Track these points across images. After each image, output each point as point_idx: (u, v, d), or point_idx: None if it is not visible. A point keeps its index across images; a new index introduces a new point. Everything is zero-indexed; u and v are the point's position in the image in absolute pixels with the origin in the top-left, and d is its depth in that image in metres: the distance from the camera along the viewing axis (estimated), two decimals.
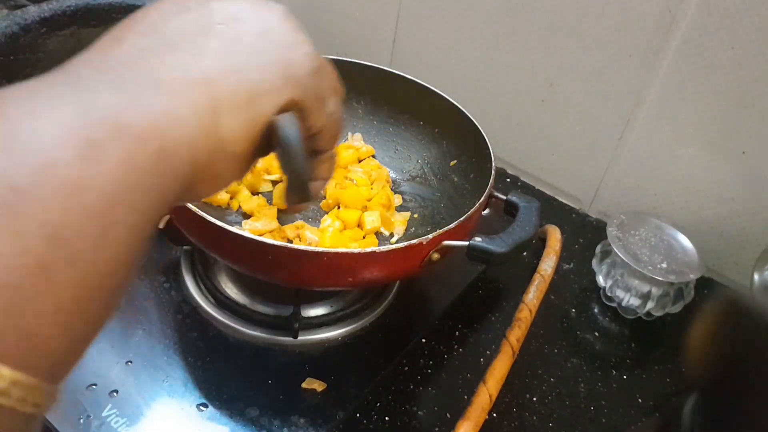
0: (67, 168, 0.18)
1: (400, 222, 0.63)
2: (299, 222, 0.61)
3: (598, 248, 0.65)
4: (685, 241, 0.63)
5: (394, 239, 0.62)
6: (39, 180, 0.17)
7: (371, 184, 0.66)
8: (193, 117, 0.22)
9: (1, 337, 0.16)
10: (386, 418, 0.50)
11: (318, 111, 0.28)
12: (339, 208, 0.63)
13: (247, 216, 0.61)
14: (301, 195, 0.29)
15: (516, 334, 0.56)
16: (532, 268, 0.64)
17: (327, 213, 0.63)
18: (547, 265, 0.64)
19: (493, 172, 0.56)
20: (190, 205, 0.46)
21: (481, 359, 0.56)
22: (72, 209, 0.18)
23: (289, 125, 0.26)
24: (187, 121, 0.22)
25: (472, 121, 0.61)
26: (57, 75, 0.21)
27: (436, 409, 0.51)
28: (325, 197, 0.63)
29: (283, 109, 0.26)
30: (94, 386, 0.47)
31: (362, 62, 0.68)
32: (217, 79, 0.24)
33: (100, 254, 0.19)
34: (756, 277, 0.53)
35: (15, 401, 0.17)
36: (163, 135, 0.21)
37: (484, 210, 0.55)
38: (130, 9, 0.84)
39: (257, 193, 0.65)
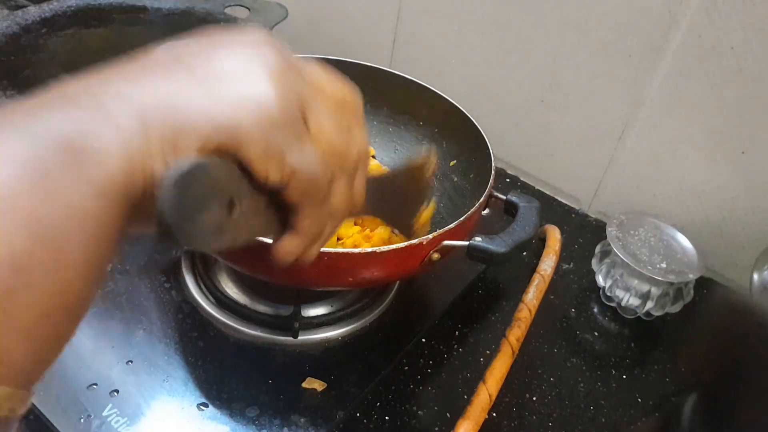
0: (24, 200, 0.20)
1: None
2: None
3: (598, 248, 0.66)
4: (684, 241, 0.63)
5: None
6: (1, 214, 0.19)
7: None
8: (121, 146, 0.22)
9: None
10: (386, 418, 0.50)
11: (267, 162, 0.26)
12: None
13: None
14: (170, 241, 0.25)
15: (516, 334, 0.56)
16: (532, 268, 0.64)
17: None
18: (547, 265, 0.64)
19: (492, 171, 0.56)
20: None
21: (481, 359, 0.56)
22: (31, 239, 0.20)
23: (181, 164, 0.23)
24: (118, 151, 0.22)
25: (471, 121, 0.61)
26: (35, 99, 0.22)
27: (436, 408, 0.51)
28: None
29: (212, 153, 0.25)
30: (94, 386, 0.48)
31: (362, 62, 0.68)
32: (151, 110, 0.24)
33: (57, 277, 0.20)
34: (755, 277, 0.53)
35: None
36: (99, 159, 0.22)
37: (483, 210, 0.55)
38: (131, 9, 0.84)
39: None
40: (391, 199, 0.41)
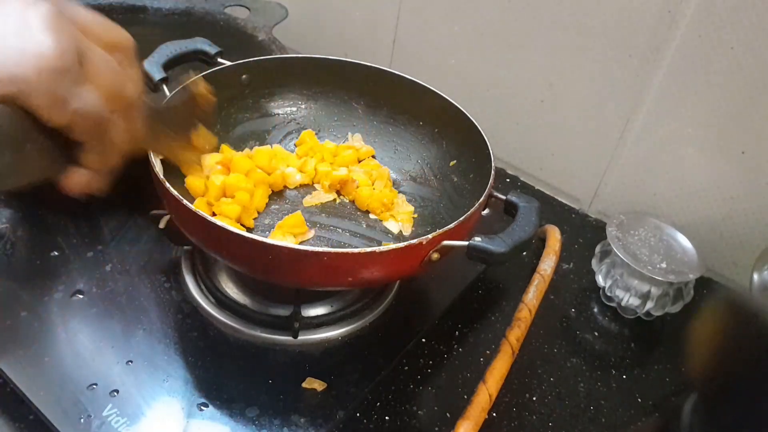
0: None
1: (405, 219, 0.63)
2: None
3: (598, 248, 0.66)
4: (684, 241, 0.63)
5: (395, 229, 0.62)
6: None
7: (372, 184, 0.66)
8: None
9: None
10: (386, 418, 0.50)
11: (51, 108, 0.28)
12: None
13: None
14: None
15: (516, 334, 0.56)
16: (532, 268, 0.64)
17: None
18: (547, 265, 0.64)
19: (492, 171, 0.56)
20: (189, 205, 0.46)
21: (481, 359, 0.56)
22: None
23: None
24: None
25: (471, 121, 0.61)
26: None
27: (436, 408, 0.51)
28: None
29: None
30: (94, 386, 0.47)
31: (362, 62, 0.68)
32: None
33: None
34: (755, 276, 0.53)
35: None
36: None
37: (483, 210, 0.55)
38: (130, 9, 0.84)
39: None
40: (167, 133, 0.44)
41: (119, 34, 0.34)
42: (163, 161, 0.54)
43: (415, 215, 0.65)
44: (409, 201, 0.66)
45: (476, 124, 0.61)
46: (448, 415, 0.51)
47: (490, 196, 0.56)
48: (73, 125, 0.29)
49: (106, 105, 0.31)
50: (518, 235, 0.50)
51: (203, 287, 0.57)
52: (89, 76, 0.30)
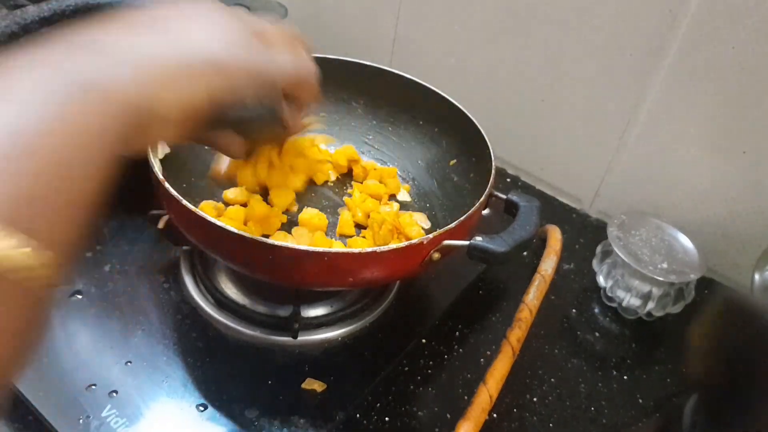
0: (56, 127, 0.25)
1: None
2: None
3: (599, 248, 0.65)
4: (685, 241, 0.63)
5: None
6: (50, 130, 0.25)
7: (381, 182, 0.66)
8: (132, 82, 0.29)
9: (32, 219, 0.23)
10: (386, 419, 0.50)
11: (267, 68, 0.36)
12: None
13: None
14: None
15: (516, 335, 0.56)
16: (533, 268, 0.64)
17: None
18: (548, 265, 0.64)
19: (493, 171, 0.55)
20: (189, 205, 0.45)
21: (482, 359, 0.56)
22: (65, 147, 0.25)
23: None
24: (127, 86, 0.29)
25: (471, 120, 0.61)
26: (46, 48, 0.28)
27: (436, 409, 0.51)
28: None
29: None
30: (93, 386, 0.47)
31: (362, 61, 0.68)
32: (160, 56, 0.31)
33: (81, 170, 0.26)
34: (756, 277, 0.53)
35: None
36: (107, 93, 0.27)
37: (484, 209, 0.55)
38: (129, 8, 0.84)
39: None
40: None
41: (294, 30, 0.40)
42: (162, 161, 0.53)
43: None
44: (409, 201, 0.66)
45: (476, 123, 0.61)
46: (448, 415, 0.50)
47: (491, 195, 0.55)
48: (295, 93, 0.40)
49: (293, 72, 0.39)
50: (519, 234, 0.50)
51: (202, 287, 0.57)
52: (271, 44, 0.37)
